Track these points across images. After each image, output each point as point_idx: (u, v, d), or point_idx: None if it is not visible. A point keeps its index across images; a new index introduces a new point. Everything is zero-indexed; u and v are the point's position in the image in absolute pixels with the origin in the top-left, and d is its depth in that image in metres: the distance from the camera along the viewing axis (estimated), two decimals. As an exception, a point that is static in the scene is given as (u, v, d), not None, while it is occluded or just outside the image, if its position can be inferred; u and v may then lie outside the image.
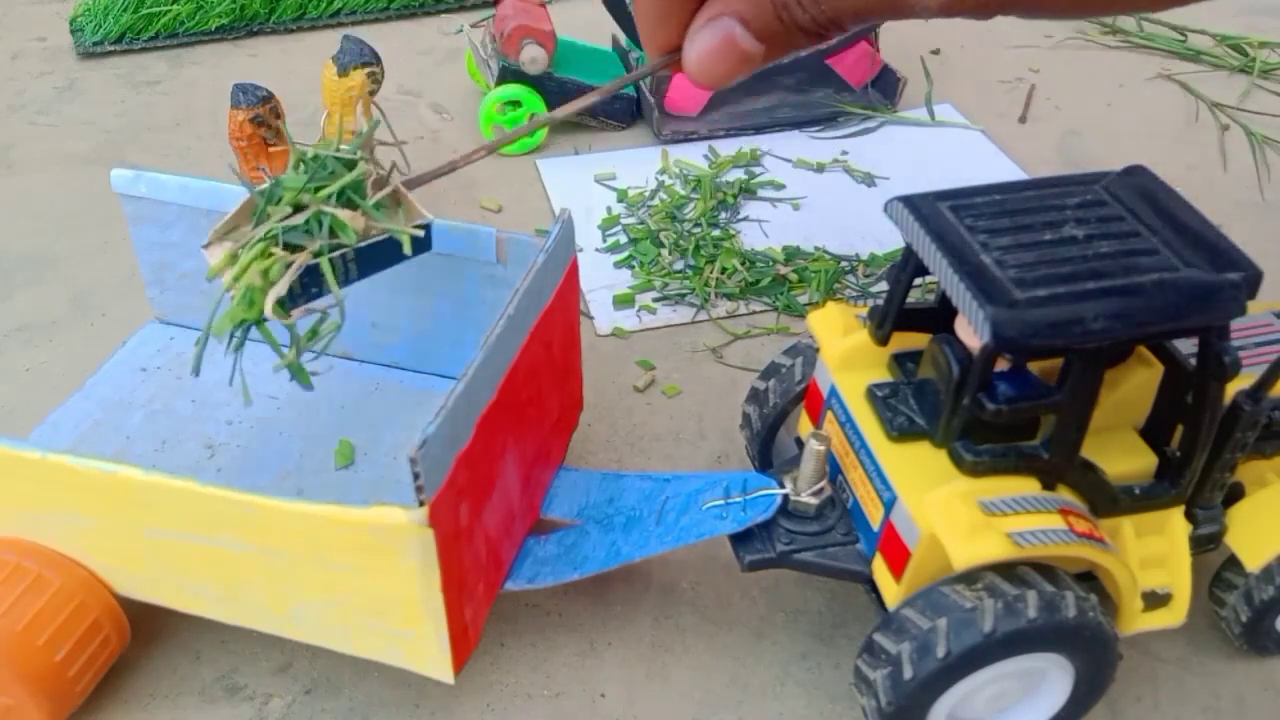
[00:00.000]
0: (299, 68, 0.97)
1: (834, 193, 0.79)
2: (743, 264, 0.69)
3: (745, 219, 0.75)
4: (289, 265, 0.37)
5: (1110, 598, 0.43)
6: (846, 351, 0.46)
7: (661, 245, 0.72)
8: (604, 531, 0.48)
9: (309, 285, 0.37)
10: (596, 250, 0.73)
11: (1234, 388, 0.41)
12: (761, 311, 0.67)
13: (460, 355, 0.55)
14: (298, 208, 0.38)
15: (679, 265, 0.70)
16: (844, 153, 0.83)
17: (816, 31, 0.37)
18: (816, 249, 0.71)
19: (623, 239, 0.73)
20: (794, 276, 0.69)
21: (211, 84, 0.95)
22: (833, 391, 0.46)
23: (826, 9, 0.37)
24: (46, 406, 0.57)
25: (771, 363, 0.52)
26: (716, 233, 0.72)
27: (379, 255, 0.40)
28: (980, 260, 0.39)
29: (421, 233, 0.40)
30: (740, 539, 0.45)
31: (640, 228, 0.74)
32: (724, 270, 0.69)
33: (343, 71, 0.69)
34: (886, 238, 0.73)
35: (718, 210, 0.75)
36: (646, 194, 0.77)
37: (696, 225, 0.73)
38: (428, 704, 0.46)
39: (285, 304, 0.37)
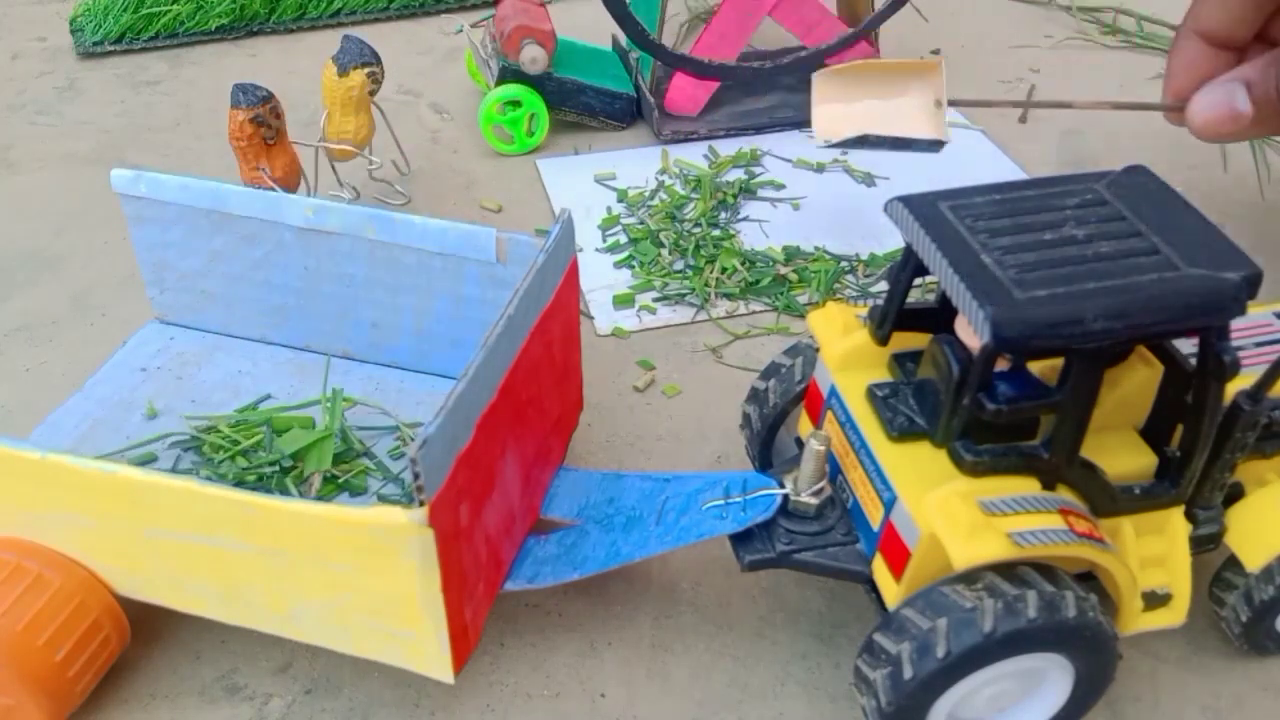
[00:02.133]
0: (299, 68, 0.97)
1: (834, 193, 0.79)
2: (743, 264, 0.69)
3: (745, 219, 0.75)
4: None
5: (1110, 598, 0.43)
6: (846, 351, 0.46)
7: (661, 245, 0.72)
8: (604, 531, 0.48)
9: (855, 143, 0.65)
10: (596, 250, 0.72)
11: (1234, 388, 0.41)
12: (761, 311, 0.67)
13: (460, 355, 0.55)
14: None
15: (679, 265, 0.70)
16: (844, 153, 0.83)
17: None
18: (816, 249, 0.71)
19: (623, 239, 0.73)
20: (794, 276, 0.69)
21: (211, 84, 0.95)
22: (833, 391, 0.46)
23: None
24: (46, 406, 0.57)
25: (771, 363, 0.52)
26: (716, 232, 0.72)
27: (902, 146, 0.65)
28: (980, 260, 0.39)
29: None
30: (740, 539, 0.45)
31: (640, 228, 0.74)
32: (724, 270, 0.69)
33: (343, 71, 0.69)
34: (886, 238, 0.73)
35: (718, 210, 0.75)
36: (646, 194, 0.77)
37: (696, 225, 0.73)
38: (428, 704, 0.46)
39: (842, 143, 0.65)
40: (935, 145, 0.65)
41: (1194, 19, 0.59)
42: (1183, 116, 0.55)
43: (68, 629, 0.43)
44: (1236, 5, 0.55)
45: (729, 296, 0.68)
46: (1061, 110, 0.91)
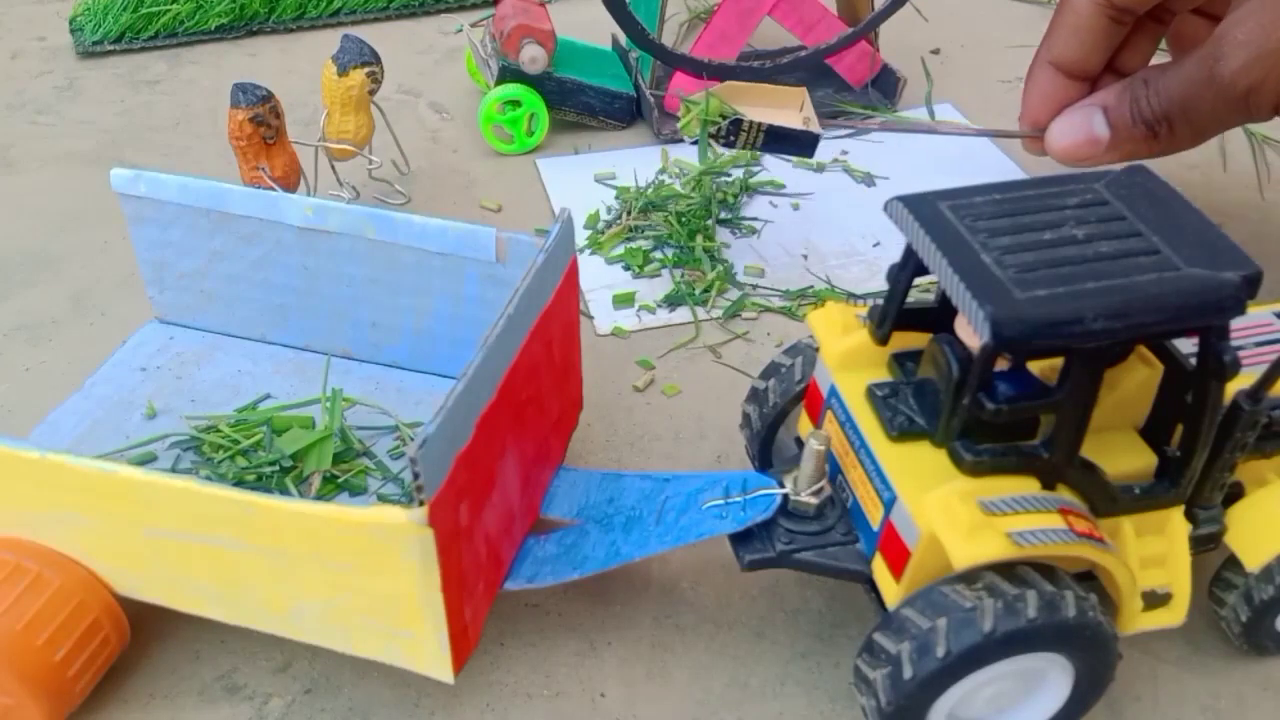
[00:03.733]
0: (299, 67, 0.97)
1: (834, 193, 0.79)
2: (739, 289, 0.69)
3: (745, 217, 0.75)
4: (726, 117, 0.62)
5: (1110, 598, 0.43)
6: (846, 351, 0.46)
7: (660, 246, 0.72)
8: (604, 531, 0.48)
9: (730, 132, 0.62)
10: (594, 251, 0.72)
11: (1234, 388, 0.41)
12: (762, 311, 0.67)
13: (460, 355, 0.55)
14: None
15: (678, 273, 0.70)
16: (844, 153, 0.83)
17: (1153, 127, 0.47)
18: (826, 288, 0.69)
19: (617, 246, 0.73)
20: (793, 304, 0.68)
21: (211, 84, 0.95)
22: (833, 391, 0.46)
23: (1164, 102, 0.47)
24: (46, 406, 0.57)
25: (771, 362, 0.52)
26: (714, 240, 0.72)
27: (780, 140, 0.63)
28: (980, 260, 0.39)
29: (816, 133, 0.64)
30: (740, 539, 0.45)
31: (639, 229, 0.73)
32: (720, 293, 0.69)
33: (343, 71, 0.69)
34: (886, 237, 0.73)
35: (717, 208, 0.75)
36: (647, 193, 0.77)
37: (696, 231, 0.73)
38: (428, 704, 0.46)
39: (716, 135, 0.63)
40: (810, 143, 0.65)
41: (1048, 49, 0.62)
42: (1042, 144, 0.58)
43: (67, 629, 0.43)
44: (1089, 37, 0.59)
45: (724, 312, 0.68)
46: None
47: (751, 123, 0.62)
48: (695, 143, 0.68)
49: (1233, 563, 0.46)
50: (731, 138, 0.62)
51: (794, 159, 0.82)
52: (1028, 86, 0.59)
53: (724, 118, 0.62)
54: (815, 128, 0.64)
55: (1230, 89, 0.49)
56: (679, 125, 0.63)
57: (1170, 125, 0.47)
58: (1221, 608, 0.47)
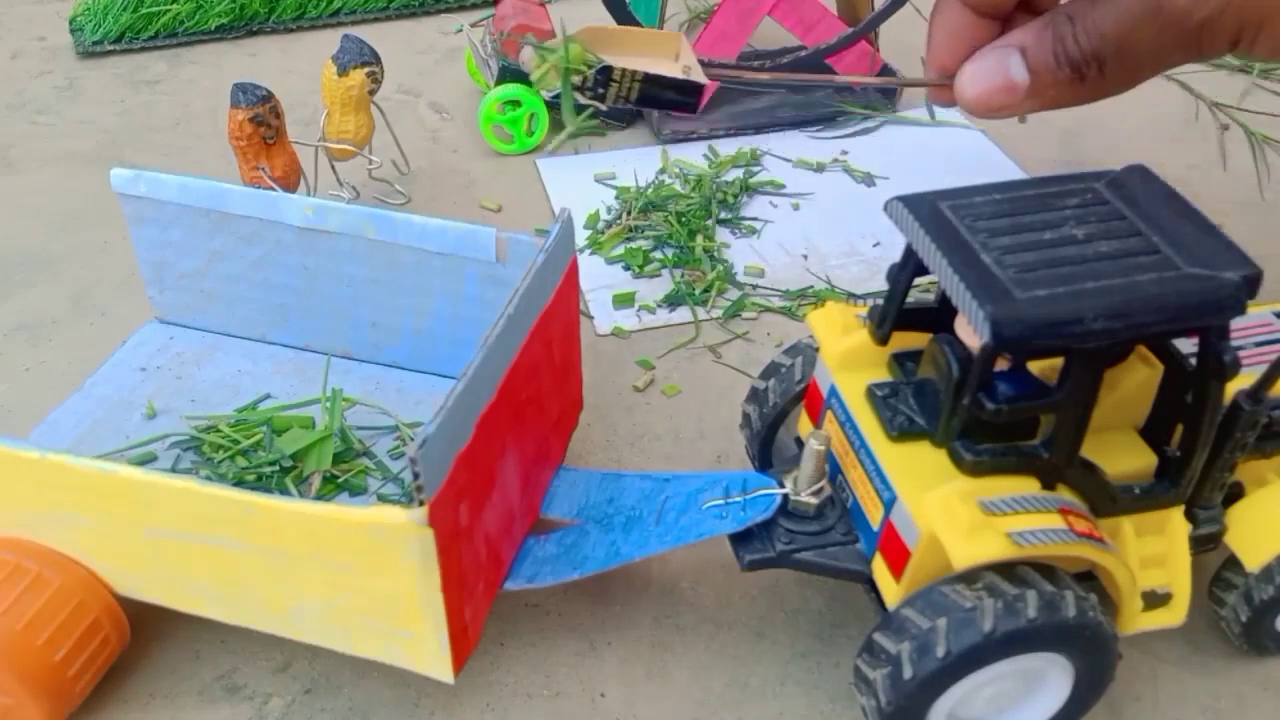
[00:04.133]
0: (299, 67, 0.97)
1: (834, 193, 0.79)
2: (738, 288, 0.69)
3: (745, 217, 0.75)
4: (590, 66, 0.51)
5: (1110, 598, 0.43)
6: (846, 351, 0.46)
7: (660, 246, 0.72)
8: (604, 531, 0.48)
9: (599, 84, 0.51)
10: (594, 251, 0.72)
11: (1234, 388, 0.41)
12: (762, 311, 0.67)
13: (460, 355, 0.55)
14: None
15: (678, 273, 0.70)
16: (844, 153, 0.83)
17: (1080, 69, 0.39)
18: (826, 288, 0.69)
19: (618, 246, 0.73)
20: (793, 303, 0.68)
21: (211, 84, 0.95)
22: (833, 391, 0.46)
23: (1094, 39, 0.38)
24: (46, 406, 0.57)
25: (771, 362, 0.52)
26: (714, 240, 0.72)
27: (659, 92, 0.53)
28: (980, 259, 0.39)
29: (696, 78, 0.53)
30: (740, 539, 0.45)
31: (638, 229, 0.74)
32: (720, 293, 0.69)
33: (343, 71, 0.69)
34: (886, 237, 0.73)
35: (717, 208, 0.75)
36: (647, 193, 0.77)
37: (696, 231, 0.73)
38: (428, 704, 0.46)
39: (581, 87, 0.52)
40: (694, 92, 0.54)
41: None
42: (951, 93, 0.49)
43: (67, 629, 0.43)
44: None
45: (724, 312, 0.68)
46: (1060, 110, 0.91)
47: (624, 71, 0.53)
48: (556, 98, 0.59)
49: (1233, 563, 0.46)
50: (601, 89, 0.53)
51: (794, 159, 0.82)
52: (932, 27, 0.48)
53: (589, 66, 0.53)
54: (698, 77, 0.56)
55: (1182, 21, 0.42)
56: (533, 77, 0.53)
57: (1101, 66, 0.41)
58: (1221, 608, 0.47)
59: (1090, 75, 0.42)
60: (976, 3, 0.46)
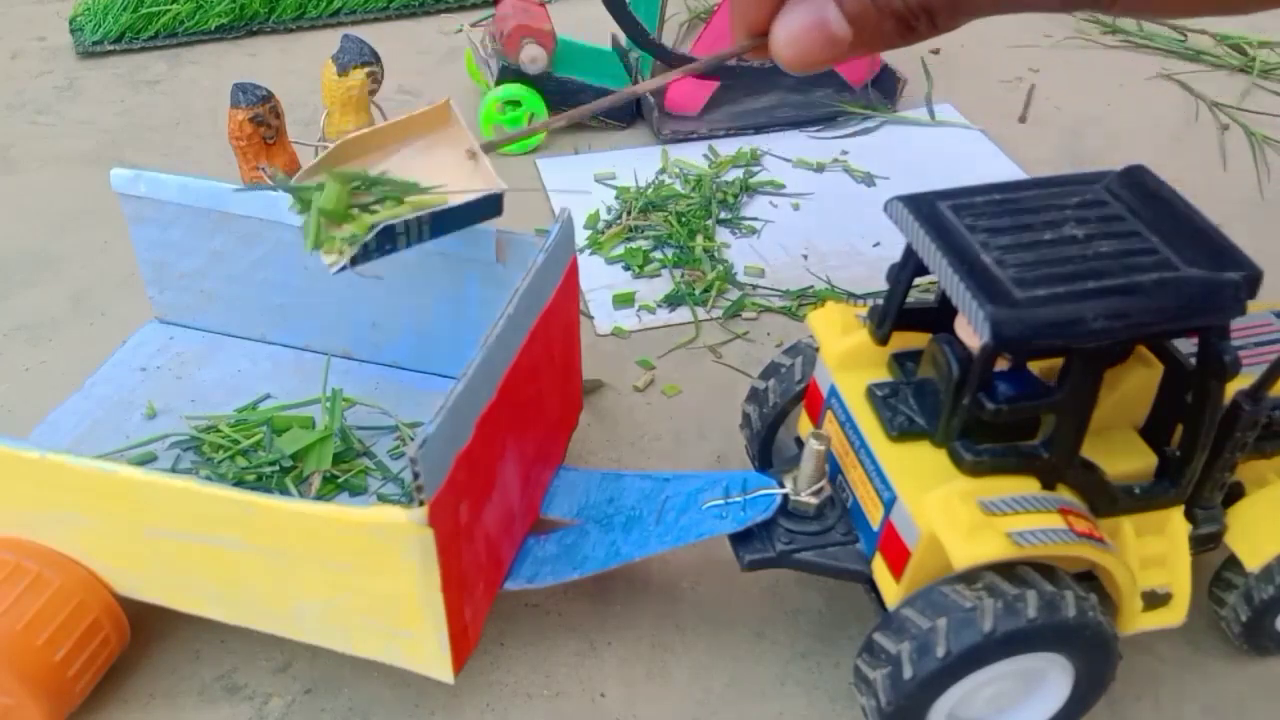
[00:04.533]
0: (299, 67, 0.97)
1: (834, 193, 0.79)
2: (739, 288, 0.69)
3: (745, 217, 0.75)
4: (369, 227, 0.42)
5: (1110, 598, 0.43)
6: (846, 351, 0.46)
7: (660, 246, 0.72)
8: (604, 531, 0.48)
9: (384, 243, 0.42)
10: (594, 250, 0.72)
11: (1234, 388, 0.41)
12: (762, 311, 0.67)
13: (460, 355, 0.55)
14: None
15: (678, 273, 0.70)
16: (844, 152, 0.83)
17: (907, 21, 0.35)
18: (826, 288, 0.69)
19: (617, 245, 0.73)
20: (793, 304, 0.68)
21: (211, 84, 0.95)
22: (832, 391, 0.46)
23: None
24: (46, 406, 0.57)
25: (771, 362, 0.52)
26: (714, 240, 0.72)
27: (450, 219, 0.45)
28: (980, 260, 0.39)
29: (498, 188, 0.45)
30: (740, 539, 0.45)
31: (639, 229, 0.74)
32: (720, 293, 0.69)
33: (343, 71, 0.69)
34: (886, 237, 0.73)
35: (717, 208, 0.75)
36: (647, 193, 0.77)
37: (696, 231, 0.73)
38: (428, 704, 0.46)
39: (359, 259, 0.43)
40: (492, 203, 0.45)
41: None
42: (766, 52, 0.45)
43: (67, 629, 0.43)
44: None
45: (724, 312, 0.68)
46: (1061, 110, 0.91)
47: (407, 222, 0.43)
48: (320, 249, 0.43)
49: (1233, 563, 0.46)
50: (389, 246, 0.43)
51: (794, 159, 0.82)
52: None
53: (361, 209, 0.43)
54: (488, 169, 0.46)
55: None
56: (305, 244, 0.43)
57: (932, 16, 0.37)
58: (1221, 608, 0.47)
59: (921, 27, 0.38)
60: None
